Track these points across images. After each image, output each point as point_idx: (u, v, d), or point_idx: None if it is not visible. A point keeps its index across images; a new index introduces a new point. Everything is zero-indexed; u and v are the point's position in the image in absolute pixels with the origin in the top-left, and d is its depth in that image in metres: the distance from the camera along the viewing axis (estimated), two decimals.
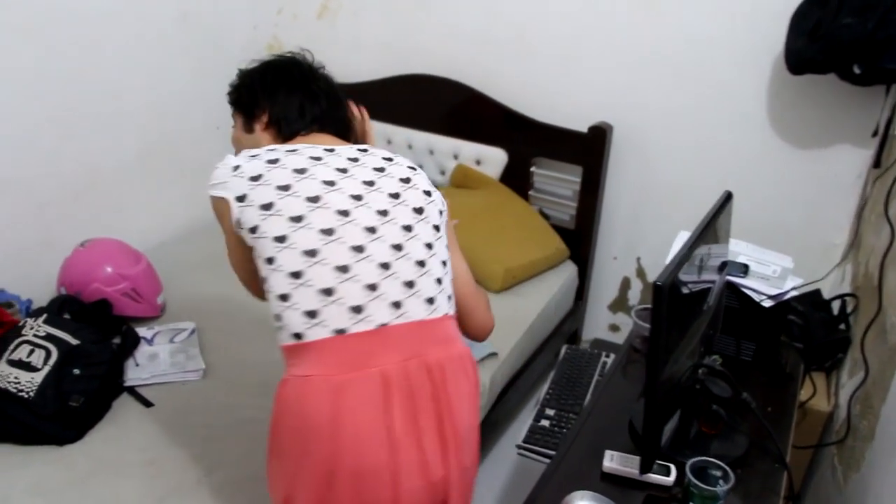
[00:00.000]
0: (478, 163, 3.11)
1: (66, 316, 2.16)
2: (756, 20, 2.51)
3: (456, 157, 3.15)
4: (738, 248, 2.01)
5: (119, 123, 2.83)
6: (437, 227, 1.51)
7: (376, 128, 3.27)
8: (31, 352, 2.01)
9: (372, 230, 1.40)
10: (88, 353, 2.06)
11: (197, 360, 2.24)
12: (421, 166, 3.23)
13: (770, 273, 1.91)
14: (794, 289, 1.92)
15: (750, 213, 2.65)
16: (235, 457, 1.94)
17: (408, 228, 1.44)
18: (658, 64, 2.73)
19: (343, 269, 1.35)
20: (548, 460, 1.90)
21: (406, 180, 1.51)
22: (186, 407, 2.10)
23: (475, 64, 3.06)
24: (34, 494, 1.81)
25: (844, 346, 2.32)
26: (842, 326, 2.39)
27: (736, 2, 2.53)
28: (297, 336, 1.34)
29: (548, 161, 3.02)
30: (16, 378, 1.95)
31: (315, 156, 1.47)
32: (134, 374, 2.17)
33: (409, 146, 3.25)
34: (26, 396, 1.93)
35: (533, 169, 3.04)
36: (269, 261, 1.36)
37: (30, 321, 2.10)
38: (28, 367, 1.98)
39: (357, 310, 1.34)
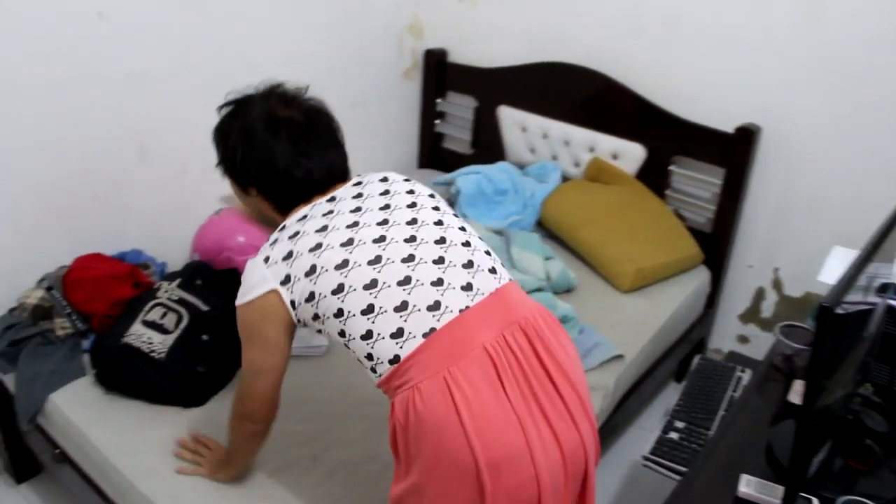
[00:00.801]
0: (614, 157, 3.01)
1: (198, 282, 2.21)
2: None
3: (592, 149, 3.06)
4: None
5: None
6: (456, 216, 1.57)
7: (513, 115, 3.22)
8: (165, 314, 2.06)
9: (412, 239, 1.45)
10: (217, 320, 2.10)
11: (322, 336, 2.24)
12: (555, 157, 3.16)
13: None
14: None
15: None
16: (352, 437, 1.94)
17: (439, 223, 1.50)
18: (819, 64, 2.54)
19: (405, 281, 1.39)
20: (675, 476, 1.81)
21: (411, 192, 1.57)
22: (307, 382, 2.10)
23: (618, 54, 2.95)
24: (160, 453, 1.86)
25: None
26: None
27: None
28: (394, 359, 1.37)
29: (688, 160, 2.88)
30: (149, 339, 2.00)
31: (325, 212, 1.49)
32: None
33: (545, 135, 3.17)
34: (157, 357, 1.98)
35: (672, 167, 2.91)
36: (339, 313, 1.39)
37: (164, 284, 2.15)
38: (161, 328, 2.03)
39: (435, 307, 1.37)
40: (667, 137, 2.89)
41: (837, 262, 2.08)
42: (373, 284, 1.38)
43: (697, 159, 2.85)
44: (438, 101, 3.52)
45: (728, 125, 2.71)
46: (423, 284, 1.39)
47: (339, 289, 1.39)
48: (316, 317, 1.43)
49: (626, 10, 2.88)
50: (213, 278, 2.28)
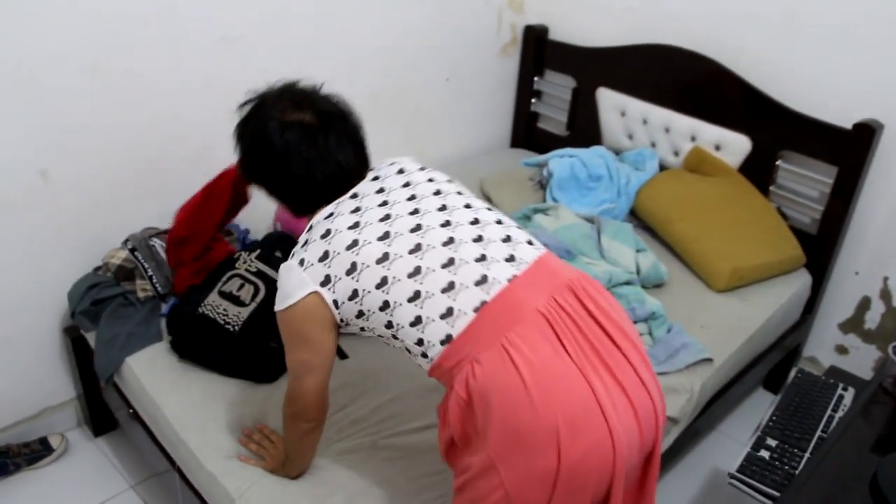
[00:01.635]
0: (717, 148, 2.84)
1: (278, 254, 2.17)
2: None
3: (693, 138, 2.90)
4: None
5: (353, 67, 2.81)
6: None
7: (613, 98, 3.09)
8: (242, 286, 2.03)
9: (447, 224, 1.45)
10: None
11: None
12: (654, 144, 3.03)
13: None
14: None
15: None
16: (417, 426, 1.89)
17: (468, 206, 1.51)
18: None
19: (449, 263, 1.40)
20: (765, 499, 1.68)
21: (431, 180, 1.57)
22: (378, 365, 2.06)
23: (728, 38, 2.78)
24: (228, 431, 1.85)
25: None
26: None
27: None
28: (446, 339, 1.37)
29: (797, 156, 2.70)
30: (224, 310, 1.98)
31: (352, 209, 1.48)
32: None
33: (645, 121, 3.03)
34: (231, 330, 1.96)
35: (779, 163, 2.73)
36: (385, 306, 1.40)
37: (244, 255, 2.12)
38: (237, 300, 2.01)
39: (482, 281, 1.38)
40: (775, 130, 2.71)
41: None
42: (416, 272, 1.39)
43: (807, 155, 2.67)
44: (536, 79, 3.41)
45: (844, 121, 2.52)
46: (467, 263, 1.40)
47: (383, 282, 1.39)
48: (360, 314, 1.43)
49: None
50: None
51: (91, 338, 2.18)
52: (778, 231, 2.66)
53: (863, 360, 2.83)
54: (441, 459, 1.51)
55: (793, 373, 2.06)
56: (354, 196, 1.51)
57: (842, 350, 2.90)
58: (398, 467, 1.78)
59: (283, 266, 1.48)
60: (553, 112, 3.42)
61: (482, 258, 1.41)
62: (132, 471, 2.38)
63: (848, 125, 2.51)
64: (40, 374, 2.38)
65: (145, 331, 2.10)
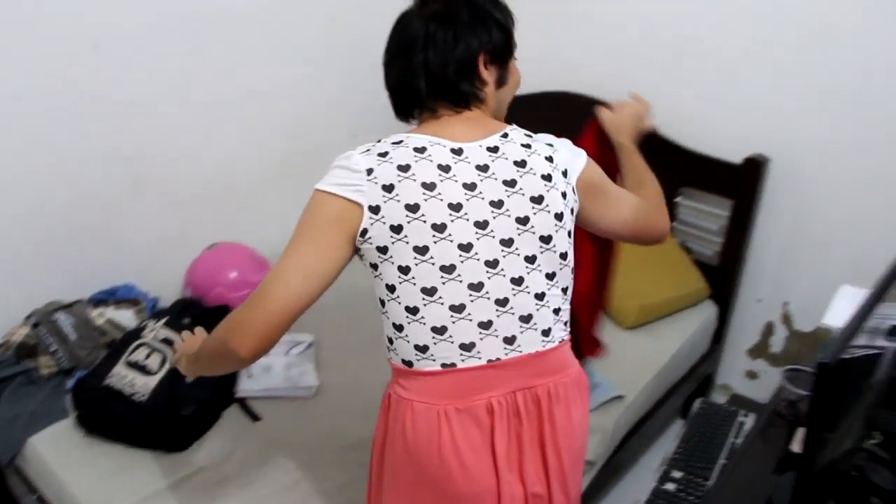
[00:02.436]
0: None
1: (187, 320, 2.16)
2: None
3: None
4: None
5: (261, 127, 2.78)
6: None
7: None
8: (149, 355, 2.01)
9: (494, 263, 1.32)
10: None
11: (310, 376, 2.18)
12: None
13: None
14: None
15: None
16: (336, 486, 1.88)
17: (529, 260, 1.34)
18: (830, 94, 2.46)
19: (458, 308, 1.31)
20: None
21: (533, 203, 1.35)
22: (293, 426, 2.05)
23: (622, 83, 2.88)
24: (137, 501, 1.81)
25: None
26: None
27: None
28: (408, 363, 1.34)
29: (695, 192, 2.81)
30: (131, 380, 1.96)
31: (443, 164, 1.31)
32: (246, 385, 2.14)
33: None
34: (139, 400, 1.93)
35: (678, 199, 2.83)
36: (405, 270, 1.30)
37: (150, 323, 2.10)
38: (144, 370, 1.98)
39: (468, 347, 1.32)
40: (673, 168, 2.80)
41: (844, 302, 1.99)
42: (431, 292, 1.29)
43: (704, 191, 2.78)
44: None
45: (736, 156, 2.64)
46: (471, 320, 1.31)
47: (423, 250, 1.28)
48: (384, 250, 1.29)
49: (634, 40, 2.82)
50: (203, 316, 2.22)
51: None
52: (681, 266, 2.75)
53: (771, 384, 2.87)
54: None
55: (696, 404, 2.12)
56: (457, 153, 1.34)
57: (752, 375, 2.99)
58: None
59: (352, 152, 1.32)
60: None
61: (487, 325, 1.31)
62: None
63: (739, 160, 2.63)
64: None
65: (49, 408, 2.05)
